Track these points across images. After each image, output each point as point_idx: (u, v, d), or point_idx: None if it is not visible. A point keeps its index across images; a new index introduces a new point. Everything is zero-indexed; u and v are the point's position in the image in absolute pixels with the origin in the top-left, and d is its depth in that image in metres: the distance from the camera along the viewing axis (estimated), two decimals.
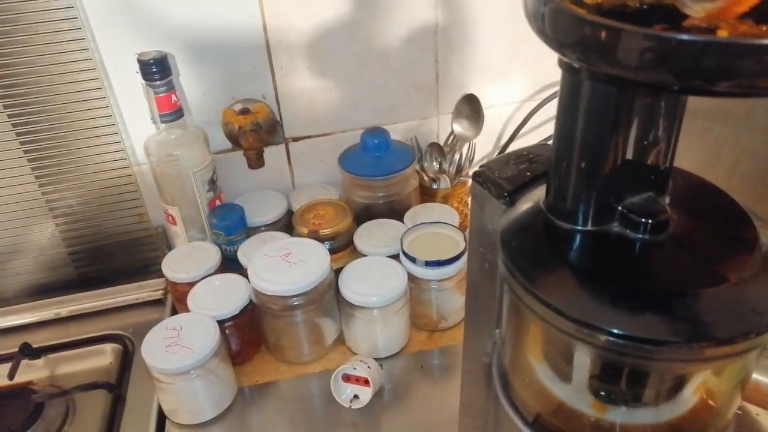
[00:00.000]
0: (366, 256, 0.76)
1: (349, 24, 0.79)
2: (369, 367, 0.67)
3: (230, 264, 0.80)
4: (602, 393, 0.36)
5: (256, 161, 0.81)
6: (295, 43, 0.79)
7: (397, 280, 0.70)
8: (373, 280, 0.71)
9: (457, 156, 0.90)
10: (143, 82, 0.73)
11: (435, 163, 0.89)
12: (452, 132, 0.90)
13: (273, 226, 0.85)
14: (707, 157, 0.70)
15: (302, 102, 0.84)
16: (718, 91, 0.25)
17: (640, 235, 0.34)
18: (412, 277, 0.73)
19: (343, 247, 0.80)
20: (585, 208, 0.35)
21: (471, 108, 0.87)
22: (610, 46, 0.26)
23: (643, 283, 0.32)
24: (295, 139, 0.87)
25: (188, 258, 0.78)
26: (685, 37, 0.23)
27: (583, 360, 0.34)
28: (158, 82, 0.72)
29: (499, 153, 0.97)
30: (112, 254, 0.86)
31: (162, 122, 0.75)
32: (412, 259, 0.72)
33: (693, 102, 0.75)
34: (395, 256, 0.75)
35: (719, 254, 0.33)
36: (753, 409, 0.63)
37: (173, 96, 0.73)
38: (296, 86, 0.83)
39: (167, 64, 0.72)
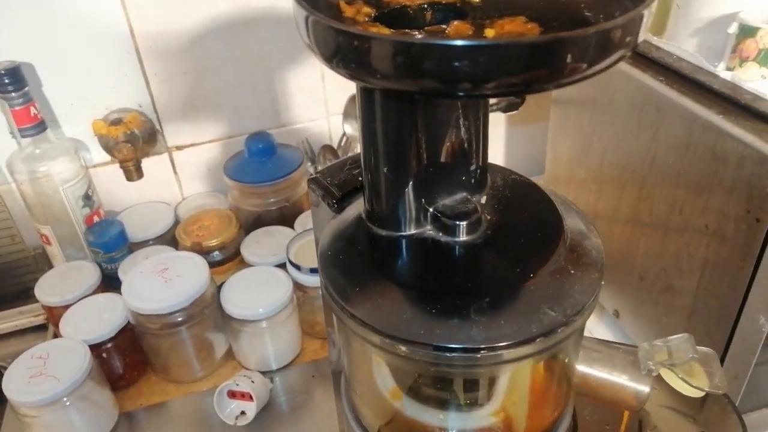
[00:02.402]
0: (253, 266, 0.74)
1: (223, 27, 0.77)
2: (253, 381, 0.65)
3: (113, 282, 0.76)
4: (430, 400, 0.35)
5: (134, 173, 0.77)
6: (167, 49, 0.76)
7: (282, 289, 0.68)
8: (256, 292, 0.68)
9: None
10: None
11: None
12: (344, 133, 0.89)
13: (159, 240, 0.81)
14: (581, 147, 0.72)
15: (182, 109, 0.81)
16: (484, 93, 0.25)
17: (452, 238, 0.33)
18: (300, 286, 0.71)
19: (230, 258, 0.77)
20: (397, 213, 0.34)
21: None
22: (364, 56, 0.24)
23: (446, 288, 0.31)
24: (179, 148, 0.83)
25: (65, 279, 0.74)
26: (414, 40, 0.22)
27: (400, 369, 0.34)
28: (13, 95, 0.67)
29: None
30: None
31: (22, 137, 0.70)
32: (297, 267, 0.70)
33: (565, 90, 0.76)
34: (283, 265, 0.73)
35: (527, 251, 0.33)
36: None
37: (32, 108, 0.69)
38: (174, 93, 0.79)
39: (21, 74, 0.67)
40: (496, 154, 0.99)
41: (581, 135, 0.71)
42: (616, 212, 0.67)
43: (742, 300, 0.52)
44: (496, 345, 0.28)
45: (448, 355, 0.29)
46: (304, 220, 0.80)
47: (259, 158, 0.80)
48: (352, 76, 0.26)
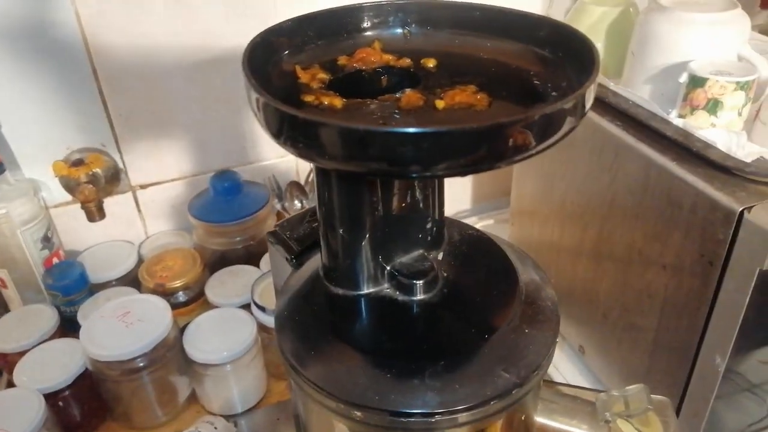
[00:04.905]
0: (217, 307, 0.73)
1: (188, 65, 0.77)
2: (216, 428, 0.64)
3: (73, 326, 0.74)
4: None
5: (96, 213, 0.76)
6: (131, 87, 0.75)
7: (246, 331, 0.67)
8: (220, 335, 0.67)
9: None
10: None
11: (296, 202, 0.87)
12: (311, 169, 0.89)
13: (122, 281, 0.79)
14: (543, 188, 0.73)
15: (147, 147, 0.80)
16: (434, 174, 0.25)
17: (409, 297, 0.33)
18: (264, 327, 0.70)
19: (194, 299, 0.76)
20: (354, 271, 0.34)
21: None
22: (311, 139, 0.24)
23: (402, 351, 0.31)
24: (143, 186, 0.82)
25: (21, 324, 0.71)
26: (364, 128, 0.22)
27: None
28: None
29: None
30: None
31: None
32: (262, 308, 0.69)
33: None
34: (248, 305, 0.72)
35: (483, 310, 0.33)
36: None
37: None
38: (138, 132, 0.78)
39: None
40: (465, 188, 1.00)
41: (544, 175, 0.73)
42: (580, 249, 0.68)
43: (699, 340, 0.53)
44: (451, 409, 0.28)
45: (403, 420, 0.29)
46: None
47: (225, 197, 0.79)
48: (300, 156, 0.26)
